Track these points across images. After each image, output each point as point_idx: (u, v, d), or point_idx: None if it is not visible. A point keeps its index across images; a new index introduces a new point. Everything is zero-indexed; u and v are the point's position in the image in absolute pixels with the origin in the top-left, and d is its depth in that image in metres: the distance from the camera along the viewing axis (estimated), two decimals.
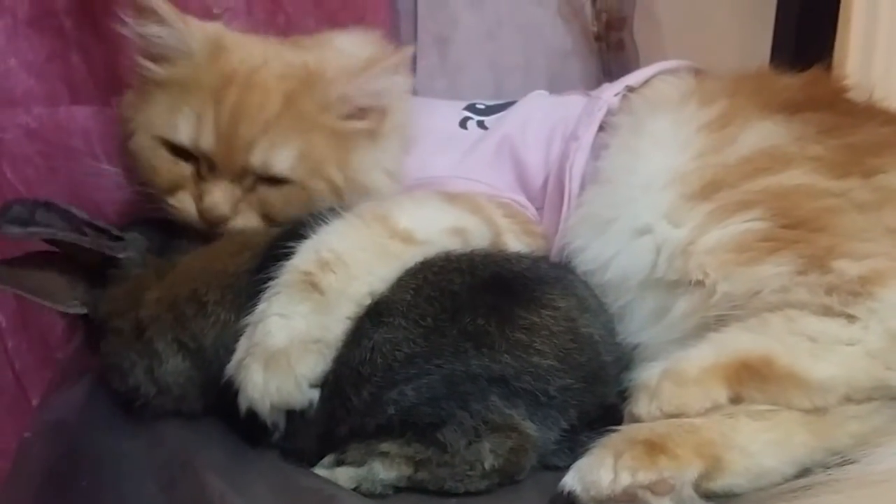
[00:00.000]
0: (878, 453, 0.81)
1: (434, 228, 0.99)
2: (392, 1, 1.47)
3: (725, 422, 0.84)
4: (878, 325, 0.86)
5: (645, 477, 0.78)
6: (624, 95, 1.17)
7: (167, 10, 1.02)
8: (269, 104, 1.02)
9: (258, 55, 1.07)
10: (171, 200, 1.02)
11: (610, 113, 1.15)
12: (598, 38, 1.65)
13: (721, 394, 0.86)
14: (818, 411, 0.85)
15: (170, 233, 1.03)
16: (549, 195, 1.13)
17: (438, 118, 1.22)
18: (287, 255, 0.93)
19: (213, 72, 1.03)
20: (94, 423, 0.99)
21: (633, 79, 1.20)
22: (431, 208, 1.03)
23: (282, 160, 1.02)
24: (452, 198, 1.06)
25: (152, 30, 1.02)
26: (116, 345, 0.96)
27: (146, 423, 0.95)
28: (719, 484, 0.81)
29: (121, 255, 0.97)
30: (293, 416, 0.89)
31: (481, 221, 1.04)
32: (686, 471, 0.79)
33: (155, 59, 1.04)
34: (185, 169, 1.02)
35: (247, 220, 1.02)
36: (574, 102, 1.21)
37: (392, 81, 1.07)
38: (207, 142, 1.00)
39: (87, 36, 1.26)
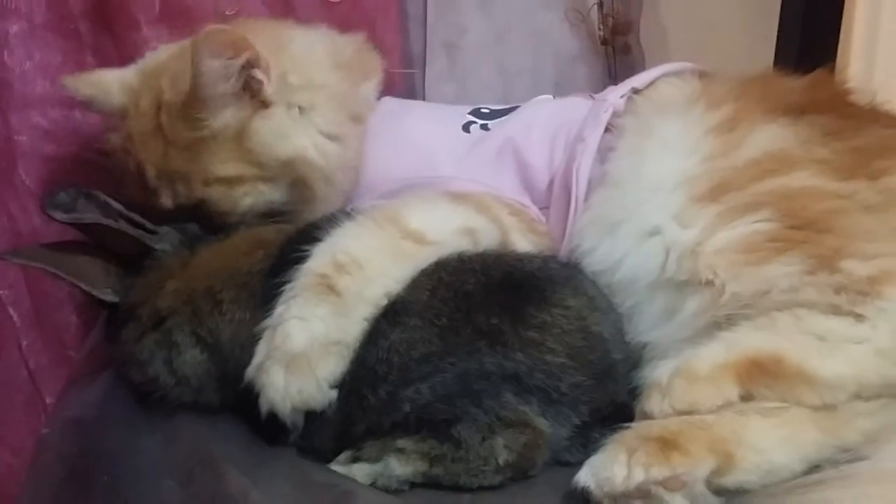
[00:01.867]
0: (888, 450, 0.83)
1: (445, 229, 1.00)
2: (402, 6, 1.47)
3: (737, 419, 0.85)
4: (886, 324, 0.87)
5: (658, 473, 0.79)
6: (629, 97, 1.17)
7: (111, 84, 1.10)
8: (152, 147, 1.08)
9: (133, 105, 1.10)
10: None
11: (615, 115, 1.15)
12: (604, 42, 1.65)
13: (732, 391, 0.87)
14: (828, 408, 0.86)
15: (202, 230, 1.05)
16: (556, 197, 1.13)
17: (440, 122, 1.23)
18: (301, 258, 0.94)
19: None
20: (113, 420, 1.00)
21: (638, 81, 1.20)
22: (441, 209, 1.04)
23: (180, 193, 1.07)
24: (459, 197, 1.07)
25: (253, 74, 1.05)
26: (136, 334, 0.97)
27: (164, 420, 0.96)
28: (731, 480, 0.82)
29: (156, 247, 0.99)
30: (311, 415, 0.90)
31: (489, 220, 1.05)
32: (699, 467, 0.80)
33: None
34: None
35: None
36: (578, 105, 1.21)
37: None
38: (167, 203, 1.10)
39: (103, 40, 1.27)
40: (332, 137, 1.12)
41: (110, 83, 1.11)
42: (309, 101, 1.11)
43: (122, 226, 0.97)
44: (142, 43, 1.26)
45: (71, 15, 1.25)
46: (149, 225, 1.00)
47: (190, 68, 1.01)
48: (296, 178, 1.09)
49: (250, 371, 0.90)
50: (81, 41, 1.27)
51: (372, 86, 1.23)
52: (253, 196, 1.08)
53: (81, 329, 1.32)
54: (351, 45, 1.23)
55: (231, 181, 1.07)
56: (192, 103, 1.04)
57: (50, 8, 1.24)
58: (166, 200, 1.07)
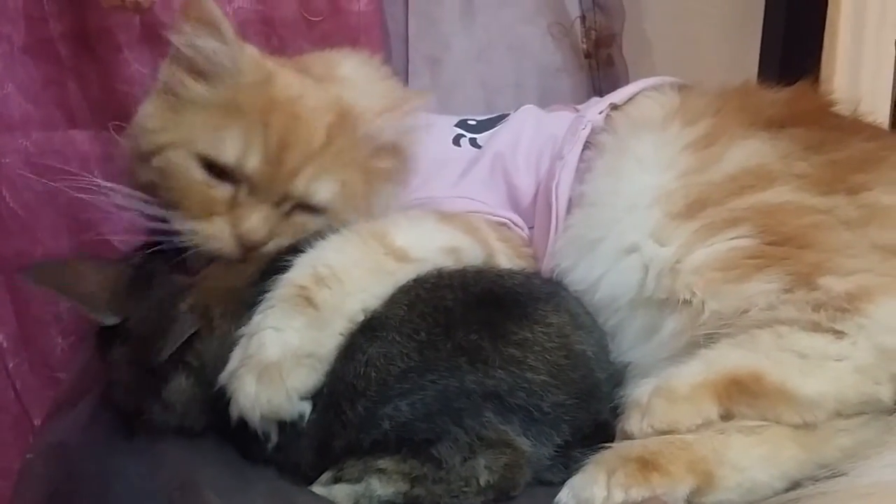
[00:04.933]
0: (867, 466, 0.82)
1: (428, 247, 1.00)
2: (384, 22, 1.48)
3: (717, 438, 0.85)
4: (866, 341, 0.87)
5: (638, 493, 0.79)
6: (608, 114, 1.17)
7: (229, 29, 1.02)
8: (314, 135, 1.03)
9: (297, 86, 1.07)
10: (203, 226, 0.99)
11: (595, 131, 1.15)
12: (587, 55, 1.65)
13: (712, 410, 0.86)
14: (808, 426, 0.86)
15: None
16: (538, 215, 1.14)
17: (433, 137, 1.22)
18: (285, 269, 0.94)
19: (260, 96, 1.03)
20: (96, 445, 0.99)
21: (617, 96, 1.20)
22: (427, 227, 1.04)
23: (324, 190, 1.03)
24: (448, 218, 1.07)
25: (209, 44, 1.01)
26: (126, 358, 0.96)
27: (146, 444, 0.95)
28: (711, 499, 0.82)
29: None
30: (288, 428, 0.90)
31: (475, 242, 1.05)
32: (678, 487, 0.81)
33: (201, 75, 1.03)
34: (221, 192, 1.00)
35: (280, 245, 1.01)
36: (563, 119, 1.21)
37: (413, 123, 1.10)
38: (253, 164, 0.99)
39: (83, 62, 1.27)
40: None
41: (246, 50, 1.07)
42: None
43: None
44: (123, 65, 1.26)
45: (51, 38, 1.26)
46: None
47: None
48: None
49: (223, 377, 0.90)
50: (62, 64, 1.27)
51: None
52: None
53: (68, 351, 1.33)
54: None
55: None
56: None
57: (30, 31, 1.25)
58: (287, 184, 1.01)
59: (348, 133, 1.06)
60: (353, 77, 1.17)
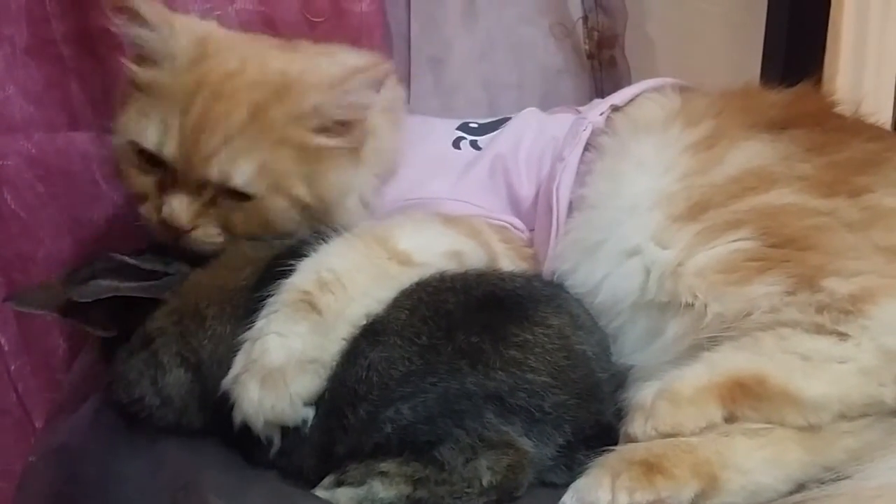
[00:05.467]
0: (872, 468, 0.82)
1: (432, 251, 0.99)
2: (386, 23, 1.47)
3: (721, 440, 0.85)
4: (870, 343, 0.87)
5: (642, 497, 0.79)
6: (609, 115, 1.17)
7: (153, 13, 1.02)
8: (233, 114, 1.01)
9: (236, 61, 1.05)
10: (140, 208, 1.04)
11: (595, 133, 1.15)
12: (590, 56, 1.64)
13: (716, 413, 0.86)
14: (812, 428, 0.86)
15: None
16: (539, 217, 1.13)
17: (432, 139, 1.22)
18: (287, 273, 0.93)
19: (189, 77, 1.02)
20: (98, 447, 1.00)
21: (618, 97, 1.20)
22: (430, 231, 1.03)
23: (240, 173, 1.00)
24: (451, 221, 1.06)
25: (137, 32, 1.03)
26: (126, 354, 0.97)
27: (148, 446, 0.96)
28: (716, 502, 0.82)
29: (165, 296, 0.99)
30: (290, 433, 0.90)
31: (478, 245, 1.04)
32: (683, 490, 0.81)
33: (140, 61, 1.04)
34: (151, 177, 1.03)
35: (206, 233, 1.02)
36: (564, 121, 1.21)
37: (371, 96, 1.04)
38: (170, 150, 1.00)
39: (86, 64, 1.27)
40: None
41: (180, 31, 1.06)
42: None
43: (140, 291, 0.96)
44: (125, 66, 1.26)
45: (53, 39, 1.25)
46: (160, 267, 0.99)
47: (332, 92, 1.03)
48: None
49: (226, 382, 0.90)
50: (64, 65, 1.27)
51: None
52: (290, 221, 1.05)
53: (69, 353, 1.32)
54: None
55: (296, 202, 1.04)
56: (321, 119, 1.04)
57: (32, 32, 1.24)
58: (203, 169, 1.00)
59: (284, 108, 1.02)
60: (344, 60, 1.14)
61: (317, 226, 1.03)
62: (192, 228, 1.01)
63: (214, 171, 1.00)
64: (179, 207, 1.00)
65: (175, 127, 1.00)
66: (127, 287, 0.95)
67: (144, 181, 1.03)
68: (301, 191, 1.03)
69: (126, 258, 0.97)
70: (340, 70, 1.07)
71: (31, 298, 1.00)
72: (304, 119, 1.02)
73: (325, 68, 1.09)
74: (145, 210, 1.03)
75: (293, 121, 1.02)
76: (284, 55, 1.11)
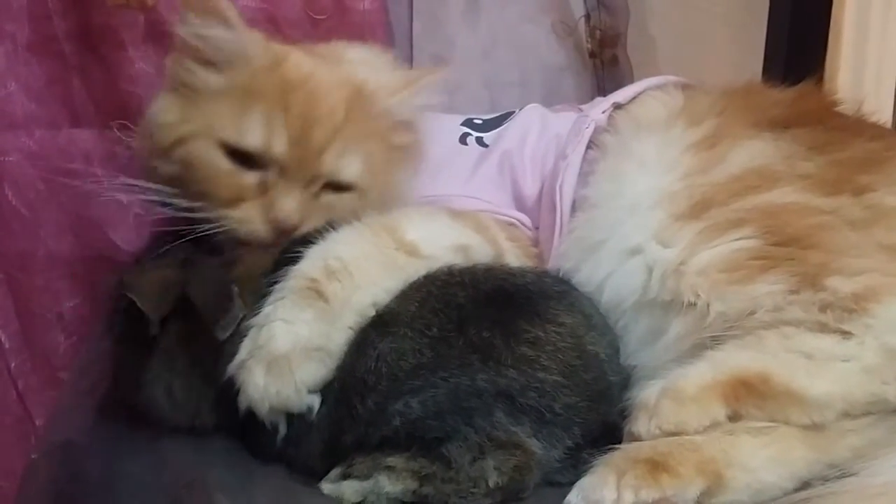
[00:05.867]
0: (876, 466, 0.82)
1: (439, 244, 1.00)
2: (388, 21, 1.48)
3: (726, 439, 0.85)
4: (874, 341, 0.87)
5: (648, 495, 0.79)
6: (611, 113, 1.17)
7: (234, 15, 1.02)
8: (335, 110, 1.04)
9: (307, 64, 1.07)
10: (234, 213, 1.00)
11: (598, 131, 1.15)
12: (592, 54, 1.65)
13: (719, 411, 0.86)
14: (816, 426, 0.86)
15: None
16: (543, 215, 1.14)
17: (439, 136, 1.22)
18: (296, 260, 0.94)
19: (274, 78, 1.03)
20: (101, 444, 0.99)
21: (620, 95, 1.20)
22: (438, 224, 1.04)
23: (351, 165, 1.04)
24: (459, 215, 1.07)
25: (216, 33, 1.02)
26: (141, 356, 0.95)
27: (152, 444, 0.95)
28: (721, 501, 0.82)
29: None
30: (295, 420, 0.90)
31: (485, 241, 1.05)
32: (688, 489, 0.80)
33: (212, 64, 1.03)
34: (249, 178, 1.01)
35: (313, 227, 1.01)
36: (568, 118, 1.21)
37: (431, 99, 1.11)
38: (279, 146, 1.00)
39: (88, 61, 1.27)
40: None
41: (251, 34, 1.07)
42: None
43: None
44: (127, 63, 1.26)
45: (55, 36, 1.25)
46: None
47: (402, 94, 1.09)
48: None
49: (233, 366, 0.90)
50: (66, 62, 1.27)
51: None
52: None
53: (70, 350, 1.32)
54: None
55: (385, 193, 1.08)
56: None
57: (34, 29, 1.25)
58: (316, 163, 1.02)
59: (365, 108, 1.06)
60: (361, 59, 1.18)
61: None
62: (301, 224, 1.01)
63: (327, 165, 1.02)
64: (293, 204, 1.00)
65: (280, 124, 1.00)
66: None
67: (240, 183, 1.01)
68: (387, 182, 1.08)
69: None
70: (403, 74, 1.15)
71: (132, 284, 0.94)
72: (383, 117, 1.09)
73: (381, 72, 1.15)
74: (243, 214, 1.00)
75: (377, 118, 1.08)
76: (332, 63, 1.13)
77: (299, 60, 1.08)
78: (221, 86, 1.03)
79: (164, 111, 1.05)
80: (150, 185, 1.03)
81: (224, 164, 1.01)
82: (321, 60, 1.11)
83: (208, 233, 0.98)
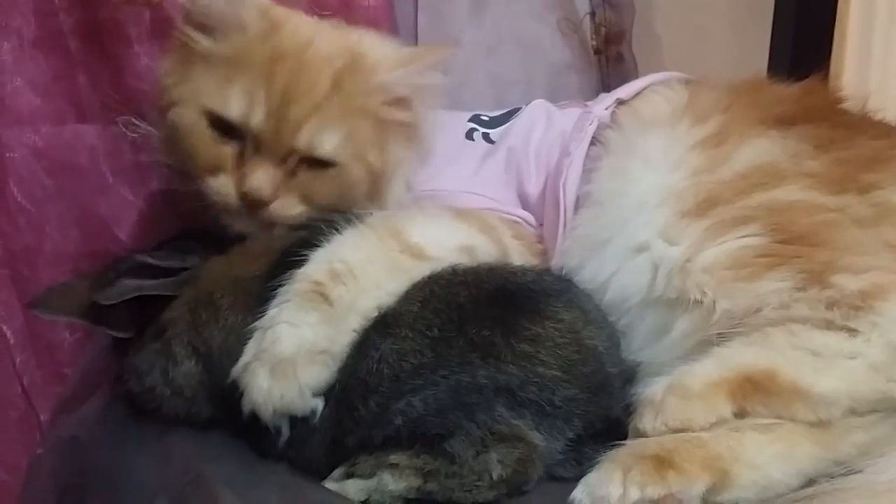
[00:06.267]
0: (882, 463, 0.82)
1: (444, 245, 1.00)
2: (393, 17, 1.48)
3: (732, 435, 0.85)
4: (880, 339, 0.87)
5: (654, 492, 0.79)
6: (614, 109, 1.17)
7: None
8: (318, 84, 1.02)
9: (306, 33, 1.07)
10: (211, 182, 1.01)
11: (601, 127, 1.15)
12: (597, 51, 1.65)
13: (726, 408, 0.86)
14: (822, 423, 0.86)
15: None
16: (546, 212, 1.14)
17: (446, 130, 1.22)
18: (300, 263, 0.94)
19: (265, 48, 1.03)
20: (106, 440, 1.00)
21: (624, 91, 1.20)
22: (443, 225, 1.04)
23: (328, 141, 1.02)
24: (464, 215, 1.07)
25: (210, 1, 1.02)
26: (139, 343, 0.97)
27: (157, 439, 0.96)
28: (727, 497, 0.82)
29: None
30: (299, 423, 0.90)
31: (490, 241, 1.05)
32: (694, 485, 0.80)
33: (206, 30, 1.03)
34: (228, 148, 1.01)
35: (287, 204, 1.02)
36: (572, 115, 1.21)
37: (432, 78, 1.09)
38: (257, 119, 1.00)
39: (93, 57, 1.27)
40: None
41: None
42: None
43: (161, 289, 0.96)
44: (133, 59, 1.26)
45: (61, 32, 1.25)
46: (177, 263, 0.99)
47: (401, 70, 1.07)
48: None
49: (236, 370, 0.90)
50: (72, 58, 1.27)
51: None
52: (360, 192, 1.07)
53: (74, 346, 1.32)
54: None
55: (370, 171, 1.06)
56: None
57: (40, 25, 1.24)
58: (291, 137, 1.01)
59: (360, 79, 1.05)
60: (368, 35, 1.16)
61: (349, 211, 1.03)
62: (273, 200, 1.01)
63: (303, 140, 1.01)
64: (265, 178, 1.00)
65: (261, 96, 1.00)
66: (150, 285, 0.95)
67: (220, 153, 1.01)
68: (376, 160, 1.06)
69: (146, 258, 0.97)
70: (407, 50, 1.13)
71: (53, 304, 0.98)
72: (377, 92, 1.06)
73: (386, 47, 1.13)
74: (219, 183, 1.01)
75: (368, 92, 1.06)
76: (337, 31, 1.13)
77: (297, 28, 1.07)
78: (213, 52, 1.03)
79: (166, 73, 1.06)
80: (151, 129, 1.07)
81: (206, 132, 1.01)
82: (326, 28, 1.11)
83: (187, 193, 1.01)
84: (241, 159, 1.01)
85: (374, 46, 1.11)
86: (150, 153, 1.09)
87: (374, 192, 1.07)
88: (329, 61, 1.04)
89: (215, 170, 1.01)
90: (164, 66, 1.07)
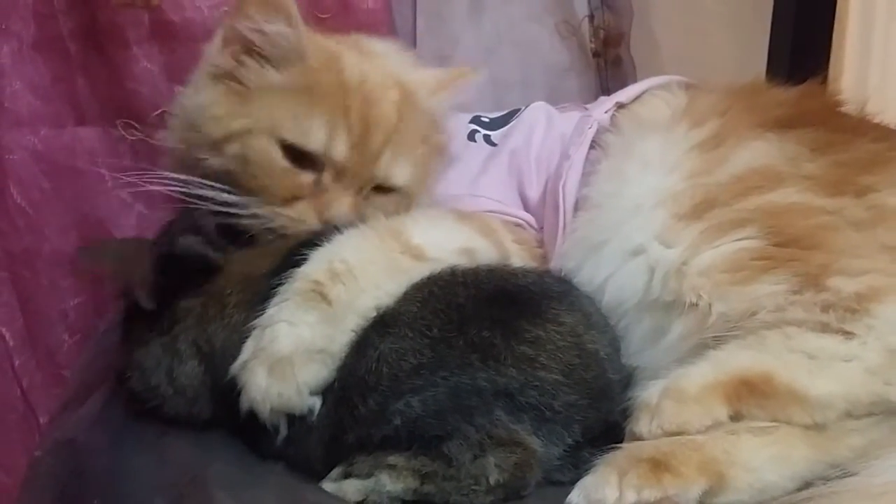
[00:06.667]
0: (877, 466, 0.83)
1: (445, 247, 1.00)
2: (392, 19, 1.48)
3: (728, 438, 0.85)
4: (876, 342, 0.87)
5: (650, 495, 0.79)
6: (614, 113, 1.18)
7: (296, 13, 1.02)
8: (386, 115, 1.05)
9: (359, 64, 1.08)
10: (288, 212, 1.00)
11: (601, 131, 1.15)
12: (595, 54, 1.65)
13: (721, 411, 0.86)
14: (818, 426, 0.86)
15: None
16: (546, 215, 1.14)
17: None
18: (301, 262, 0.94)
19: (332, 79, 1.04)
20: (104, 441, 0.99)
21: (623, 95, 1.20)
22: (444, 227, 1.04)
23: (403, 170, 1.06)
24: (465, 218, 1.07)
25: (278, 29, 1.01)
26: (146, 340, 0.96)
27: (154, 441, 0.96)
28: (723, 500, 0.82)
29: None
30: (296, 422, 0.90)
31: (491, 244, 1.05)
32: (690, 488, 0.81)
33: (271, 60, 1.03)
34: (305, 178, 1.02)
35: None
36: (572, 118, 1.21)
37: (463, 98, 1.12)
38: (340, 150, 1.01)
39: (92, 60, 1.28)
40: None
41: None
42: None
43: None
44: (132, 62, 1.27)
45: (60, 35, 1.26)
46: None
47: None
48: None
49: (235, 367, 0.90)
50: (71, 61, 1.28)
51: None
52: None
53: (74, 348, 1.33)
54: None
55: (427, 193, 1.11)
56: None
57: (40, 28, 1.25)
58: (372, 168, 1.03)
59: (412, 110, 1.08)
60: (388, 53, 1.17)
61: None
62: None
63: (381, 170, 1.04)
64: (348, 207, 1.01)
65: (341, 127, 1.01)
66: (214, 257, 0.95)
67: (297, 182, 1.02)
68: (428, 182, 1.10)
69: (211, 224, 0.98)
70: (437, 74, 1.16)
71: (99, 253, 0.99)
72: (425, 118, 1.10)
73: (416, 70, 1.16)
74: (298, 212, 1.01)
75: (420, 120, 1.09)
76: (372, 58, 1.13)
77: (353, 60, 1.08)
78: (280, 83, 1.03)
79: (214, 104, 1.04)
80: (190, 177, 1.02)
81: (281, 162, 1.01)
82: (367, 59, 1.11)
83: (252, 227, 1.00)
84: (317, 187, 1.02)
85: (406, 70, 1.14)
86: (164, 181, 1.06)
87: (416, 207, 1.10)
88: (388, 91, 1.07)
89: (291, 199, 1.01)
90: (206, 96, 1.05)
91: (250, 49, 1.03)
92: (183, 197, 1.01)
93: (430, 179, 1.12)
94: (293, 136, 1.01)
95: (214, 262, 0.96)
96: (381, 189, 1.05)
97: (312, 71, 1.03)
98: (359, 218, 1.01)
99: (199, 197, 1.00)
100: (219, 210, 1.00)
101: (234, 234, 1.01)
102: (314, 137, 1.01)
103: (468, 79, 1.14)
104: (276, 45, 1.02)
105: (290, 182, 1.01)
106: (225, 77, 1.04)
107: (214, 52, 1.07)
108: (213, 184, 1.00)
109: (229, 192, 1.00)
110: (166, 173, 1.03)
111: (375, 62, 1.11)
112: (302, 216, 1.01)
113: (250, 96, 1.03)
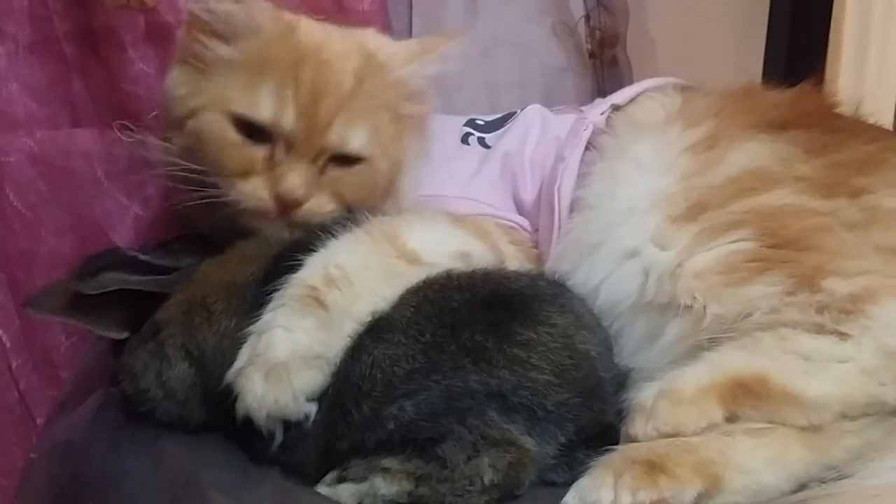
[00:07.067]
0: (873, 467, 0.82)
1: (441, 251, 0.99)
2: (387, 20, 1.48)
3: (723, 440, 0.85)
4: (871, 343, 0.87)
5: (645, 497, 0.79)
6: (609, 115, 1.18)
7: None
8: (342, 82, 1.03)
9: (319, 33, 1.08)
10: (243, 186, 1.00)
11: (596, 133, 1.15)
12: (592, 55, 1.65)
13: (717, 413, 0.86)
14: (814, 428, 0.86)
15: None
16: (541, 217, 1.14)
17: (441, 134, 1.22)
18: (295, 267, 0.93)
19: (286, 49, 1.03)
20: (101, 443, 0.99)
21: (619, 97, 1.20)
22: (440, 231, 1.04)
23: (357, 137, 1.03)
24: (460, 221, 1.07)
25: (225, 7, 1.02)
26: (134, 344, 0.97)
27: (150, 443, 0.96)
28: (719, 502, 0.82)
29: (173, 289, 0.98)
30: (292, 428, 0.90)
31: (487, 248, 1.05)
32: (686, 490, 0.80)
33: (220, 36, 1.03)
34: (258, 151, 1.01)
35: (319, 203, 1.02)
36: (567, 120, 1.21)
37: (444, 69, 1.10)
38: (288, 119, 1.00)
39: (88, 62, 1.27)
40: None
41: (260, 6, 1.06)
42: None
43: (146, 285, 0.96)
44: (127, 64, 1.27)
45: (56, 37, 1.26)
46: (169, 263, 0.99)
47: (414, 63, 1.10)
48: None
49: (230, 374, 0.89)
50: (67, 63, 1.27)
51: None
52: (382, 186, 1.09)
53: (71, 349, 1.33)
54: None
55: (394, 165, 1.09)
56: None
57: (35, 30, 1.25)
58: (323, 136, 1.01)
59: (378, 76, 1.06)
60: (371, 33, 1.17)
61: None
62: (308, 200, 1.01)
63: (333, 138, 1.02)
64: (299, 178, 1.00)
65: (289, 97, 1.00)
66: (136, 280, 0.94)
67: (250, 156, 1.01)
68: (397, 152, 1.08)
69: (136, 253, 0.97)
70: (414, 43, 1.14)
71: (45, 303, 0.98)
72: (394, 87, 1.08)
73: (391, 43, 1.14)
74: (252, 186, 1.00)
75: (387, 88, 1.07)
76: (342, 30, 1.13)
77: (310, 29, 1.08)
78: (232, 58, 1.03)
79: (177, 84, 1.05)
80: (168, 158, 1.03)
81: (234, 136, 1.01)
82: (333, 29, 1.11)
83: (217, 201, 1.00)
84: (271, 161, 1.01)
85: (381, 43, 1.13)
86: (152, 166, 1.07)
87: (391, 186, 1.09)
88: (346, 59, 1.05)
89: (246, 174, 1.00)
90: (172, 77, 1.07)
91: (204, 28, 1.04)
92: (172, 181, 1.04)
93: (405, 152, 1.10)
94: (242, 108, 1.00)
95: (143, 286, 0.95)
96: (342, 160, 1.03)
97: (266, 43, 1.03)
98: (315, 191, 1.01)
99: (183, 179, 1.02)
100: (199, 191, 1.00)
101: (200, 245, 1.02)
102: (262, 108, 1.00)
103: (447, 47, 1.11)
104: (227, 21, 1.02)
105: (243, 156, 1.01)
106: (188, 58, 1.05)
107: (182, 36, 1.08)
108: (182, 162, 1.01)
109: (197, 173, 1.00)
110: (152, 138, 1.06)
111: (340, 32, 1.11)
112: (255, 191, 1.00)
113: (207, 74, 1.03)
